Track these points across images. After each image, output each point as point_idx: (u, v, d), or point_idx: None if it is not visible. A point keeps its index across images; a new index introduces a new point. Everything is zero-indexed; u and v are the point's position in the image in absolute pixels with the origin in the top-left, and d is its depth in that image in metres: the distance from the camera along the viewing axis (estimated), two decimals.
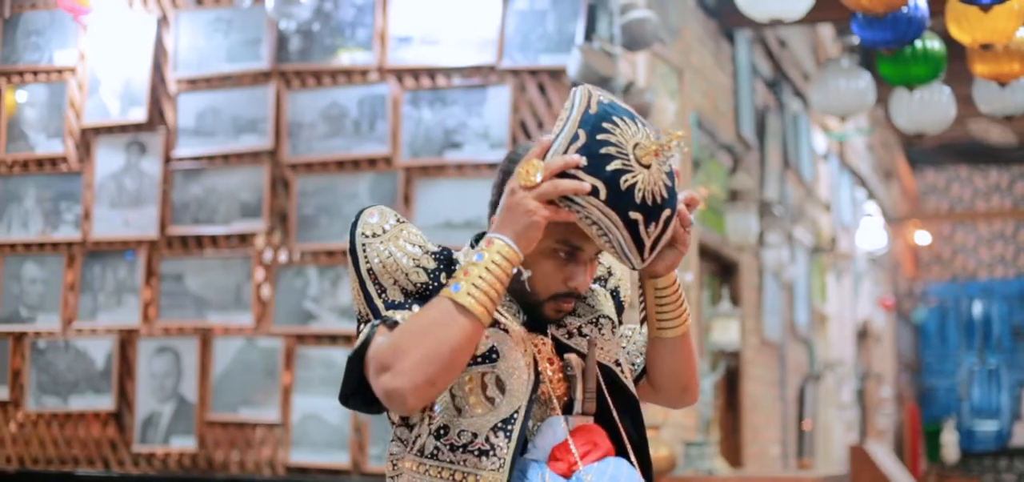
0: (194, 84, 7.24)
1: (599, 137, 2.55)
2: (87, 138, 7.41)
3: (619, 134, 2.56)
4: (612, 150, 2.54)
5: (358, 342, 2.61)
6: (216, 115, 7.16)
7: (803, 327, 11.26)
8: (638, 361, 2.98)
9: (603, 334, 2.83)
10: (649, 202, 2.54)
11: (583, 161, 2.52)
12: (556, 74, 6.66)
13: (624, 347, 2.96)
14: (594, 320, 2.83)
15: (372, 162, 6.89)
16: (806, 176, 11.41)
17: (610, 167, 2.52)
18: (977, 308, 20.00)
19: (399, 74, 6.89)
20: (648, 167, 2.55)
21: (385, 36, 6.94)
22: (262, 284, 7.00)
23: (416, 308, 2.59)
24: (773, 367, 10.29)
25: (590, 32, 6.59)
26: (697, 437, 6.96)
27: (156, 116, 7.30)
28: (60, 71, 7.50)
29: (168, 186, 7.21)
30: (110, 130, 7.36)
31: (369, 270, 2.62)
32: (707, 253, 8.66)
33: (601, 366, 2.78)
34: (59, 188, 7.42)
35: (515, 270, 2.59)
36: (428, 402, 2.57)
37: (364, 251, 2.62)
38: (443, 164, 6.72)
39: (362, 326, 2.65)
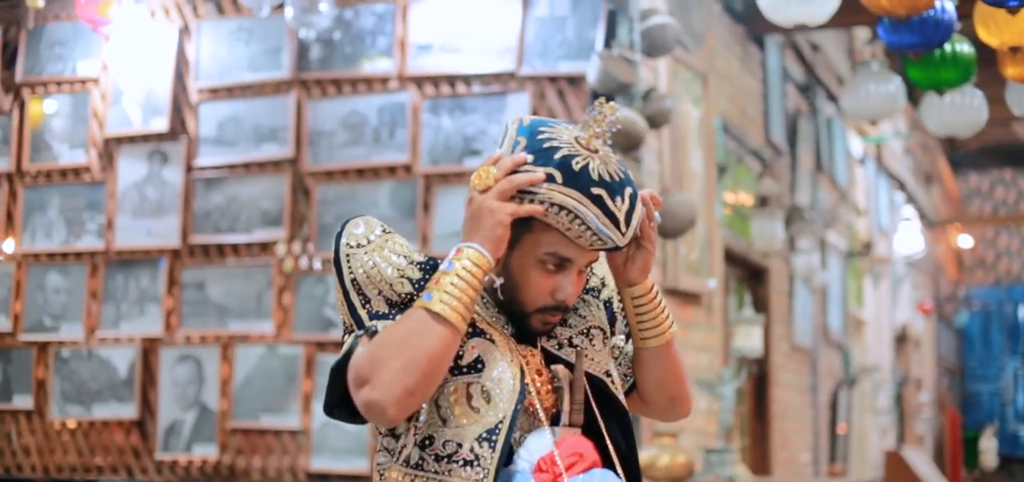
0: (215, 93, 7.25)
1: (539, 137, 2.57)
2: (110, 148, 7.44)
3: (557, 132, 2.58)
4: (555, 142, 2.55)
5: (341, 353, 2.59)
6: (237, 124, 7.17)
7: (837, 332, 11.17)
8: (630, 373, 2.94)
9: (594, 345, 2.79)
10: (607, 178, 2.54)
11: (530, 158, 2.52)
12: (576, 81, 6.63)
13: (617, 358, 2.92)
14: (585, 331, 2.79)
15: (392, 170, 6.88)
16: (841, 180, 11.32)
17: (558, 155, 2.53)
18: (1021, 312, 19.80)
19: (419, 82, 6.88)
20: (595, 152, 2.56)
21: (405, 44, 6.93)
22: (283, 292, 7.00)
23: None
24: (804, 373, 10.21)
25: (610, 39, 6.55)
26: (718, 444, 6.90)
27: (178, 126, 7.32)
28: (83, 82, 7.54)
29: (190, 195, 7.22)
30: (132, 140, 7.38)
31: (353, 280, 2.60)
32: (734, 259, 8.60)
33: (591, 377, 2.74)
34: (82, 198, 7.46)
35: (487, 277, 2.56)
36: (409, 413, 2.55)
37: (348, 261, 2.60)
38: (463, 171, 6.70)
39: (346, 337, 2.63)
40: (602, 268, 2.87)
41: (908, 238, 13.82)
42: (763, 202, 8.71)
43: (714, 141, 7.77)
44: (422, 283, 2.60)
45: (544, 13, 6.76)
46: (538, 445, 2.66)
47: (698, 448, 7.07)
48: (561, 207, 2.52)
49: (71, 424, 7.36)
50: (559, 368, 2.72)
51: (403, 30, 6.94)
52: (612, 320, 2.90)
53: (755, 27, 8.85)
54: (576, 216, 2.52)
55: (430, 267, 2.63)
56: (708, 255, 7.53)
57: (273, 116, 7.10)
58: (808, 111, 10.38)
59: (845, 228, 11.62)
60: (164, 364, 7.16)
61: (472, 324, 2.61)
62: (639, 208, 2.61)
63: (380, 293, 2.60)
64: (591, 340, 2.79)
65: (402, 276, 2.61)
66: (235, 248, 7.14)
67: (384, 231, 2.65)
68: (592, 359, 2.76)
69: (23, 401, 7.46)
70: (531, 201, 2.53)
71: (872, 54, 8.31)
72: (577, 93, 6.65)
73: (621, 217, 2.56)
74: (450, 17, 6.89)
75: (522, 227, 2.58)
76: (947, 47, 6.71)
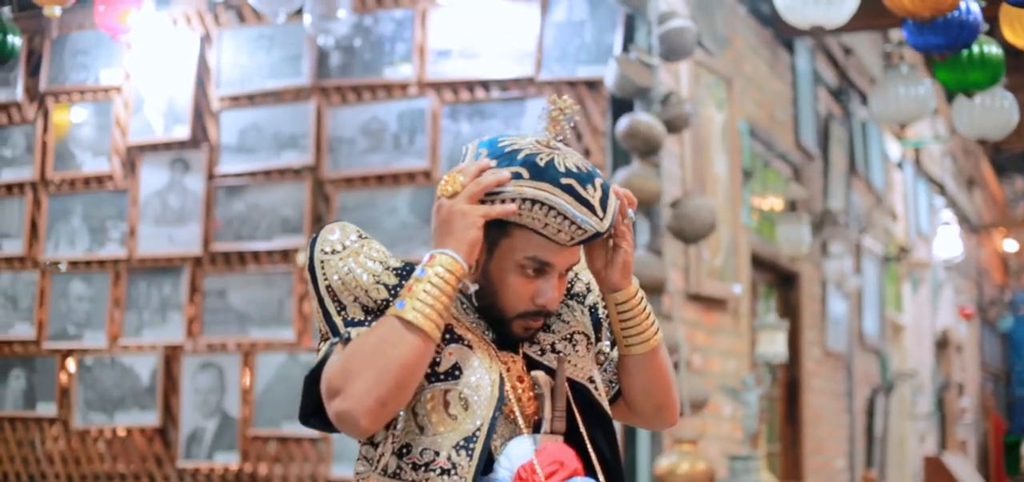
0: (236, 101, 7.26)
1: (500, 145, 2.57)
2: (132, 156, 7.46)
3: (517, 139, 2.58)
4: (517, 146, 2.55)
5: (316, 361, 2.56)
6: (258, 132, 7.17)
7: (873, 337, 11.06)
8: (616, 380, 2.90)
9: (577, 351, 2.75)
10: (574, 169, 2.52)
11: (494, 163, 2.51)
12: (594, 85, 6.60)
13: (602, 364, 2.88)
14: (568, 336, 2.76)
15: (412, 176, 6.86)
16: (876, 184, 11.21)
17: (521, 156, 2.52)
18: None
19: (438, 88, 6.86)
20: (557, 149, 2.55)
21: (424, 50, 6.91)
22: (304, 299, 6.99)
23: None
24: (838, 378, 10.11)
25: (628, 43, 6.51)
26: (742, 450, 6.82)
27: (199, 133, 7.33)
28: (106, 90, 7.57)
29: (211, 203, 7.23)
30: (154, 148, 7.40)
31: (328, 287, 2.57)
32: (763, 264, 8.53)
33: (574, 384, 2.71)
34: (105, 206, 7.47)
35: (462, 283, 2.52)
36: (382, 424, 2.52)
37: (323, 268, 2.57)
38: None
39: (322, 344, 2.60)
40: (587, 273, 2.83)
41: (947, 242, 13.67)
42: (791, 207, 8.64)
43: (739, 145, 7.70)
44: (398, 289, 2.57)
45: (562, 18, 6.73)
46: (518, 453, 2.62)
47: (723, 455, 7.00)
48: (534, 201, 2.49)
49: (94, 432, 7.38)
50: (540, 374, 2.68)
51: (422, 36, 6.92)
52: (598, 326, 2.86)
53: (783, 31, 8.77)
54: (550, 208, 2.49)
55: (407, 272, 2.60)
56: (733, 260, 7.47)
57: (293, 123, 7.10)
58: (841, 115, 10.29)
59: (881, 232, 11.51)
60: (186, 372, 7.17)
61: (450, 329, 2.58)
62: (613, 198, 2.58)
63: (356, 300, 2.56)
64: (574, 346, 2.75)
65: (378, 282, 2.58)
66: (256, 255, 7.14)
67: (360, 237, 2.62)
68: (575, 365, 2.72)
69: (47, 409, 7.49)
70: (502, 201, 2.50)
71: (901, 56, 8.22)
72: (596, 98, 6.61)
73: (595, 203, 2.53)
74: (469, 23, 6.87)
75: (498, 232, 2.56)
76: (974, 48, 6.61)
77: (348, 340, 2.51)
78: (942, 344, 14.62)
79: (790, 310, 9.06)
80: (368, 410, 2.45)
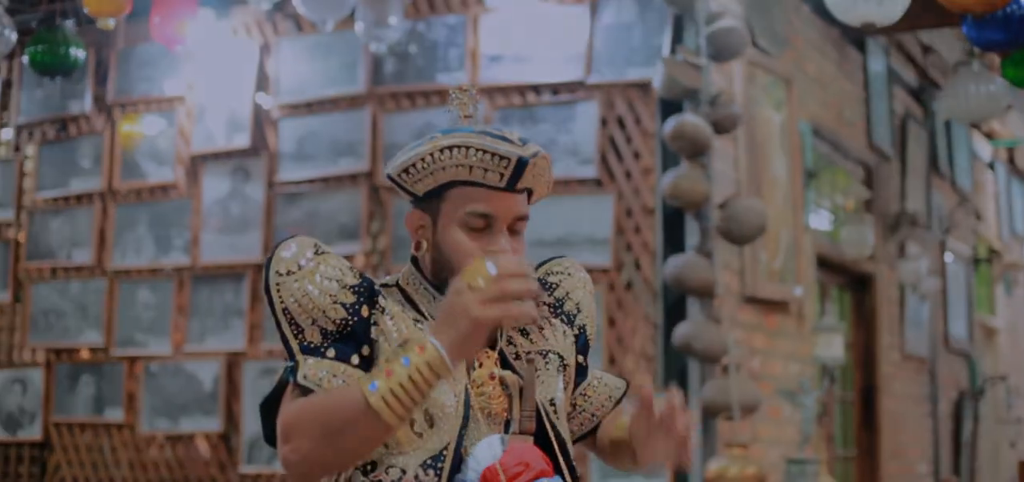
0: (295, 109, 7.34)
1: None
2: (195, 165, 7.58)
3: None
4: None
5: (272, 388, 2.56)
6: (316, 139, 7.25)
7: (960, 340, 10.84)
8: (598, 413, 2.89)
9: (548, 369, 2.73)
10: (487, 130, 2.57)
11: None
12: (644, 87, 6.57)
13: (586, 394, 2.87)
14: (543, 353, 2.74)
15: None
16: (963, 185, 10.99)
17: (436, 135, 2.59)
18: None
19: (490, 92, 6.88)
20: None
21: (476, 55, 6.94)
22: None
23: (331, 352, 2.50)
24: (920, 382, 9.93)
25: (677, 44, 6.47)
26: (798, 453, 6.73)
27: (259, 141, 7.42)
28: (170, 101, 7.71)
29: (271, 210, 7.31)
30: (216, 157, 7.51)
31: (285, 310, 2.52)
32: (834, 266, 8.41)
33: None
34: (169, 215, 7.60)
35: (421, 251, 2.60)
36: (323, 478, 2.52)
37: (279, 291, 2.52)
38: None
39: (287, 363, 2.59)
40: (579, 293, 2.83)
41: None
42: (864, 208, 8.51)
43: (801, 146, 7.60)
44: (357, 307, 2.54)
45: (612, 20, 6.72)
46: (486, 454, 2.61)
47: (782, 459, 6.91)
48: (451, 147, 2.51)
49: (160, 437, 7.50)
50: (508, 375, 2.67)
51: (474, 41, 6.95)
52: (584, 349, 2.85)
53: (853, 29, 8.63)
54: (467, 147, 2.51)
55: (364, 289, 2.57)
56: (794, 262, 7.37)
57: (350, 130, 7.16)
58: (921, 114, 10.11)
59: (969, 234, 11.28)
60: (247, 378, 7.26)
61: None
62: (537, 149, 2.57)
63: (314, 322, 2.52)
64: (546, 363, 2.73)
65: (335, 302, 2.53)
66: None
67: (316, 252, 2.56)
68: (542, 382, 2.71)
69: (115, 414, 7.63)
70: (424, 166, 2.54)
71: (972, 53, 8.07)
72: (645, 100, 6.59)
73: (513, 138, 2.54)
74: (519, 27, 6.89)
75: (437, 200, 2.58)
76: None
77: (304, 379, 2.47)
78: None
79: (865, 313, 8.92)
80: (310, 471, 2.45)
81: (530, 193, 2.64)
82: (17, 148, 8.27)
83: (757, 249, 6.88)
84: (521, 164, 2.53)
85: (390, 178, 2.65)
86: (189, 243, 7.54)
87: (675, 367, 6.40)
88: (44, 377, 7.86)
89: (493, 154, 2.51)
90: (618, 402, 2.90)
